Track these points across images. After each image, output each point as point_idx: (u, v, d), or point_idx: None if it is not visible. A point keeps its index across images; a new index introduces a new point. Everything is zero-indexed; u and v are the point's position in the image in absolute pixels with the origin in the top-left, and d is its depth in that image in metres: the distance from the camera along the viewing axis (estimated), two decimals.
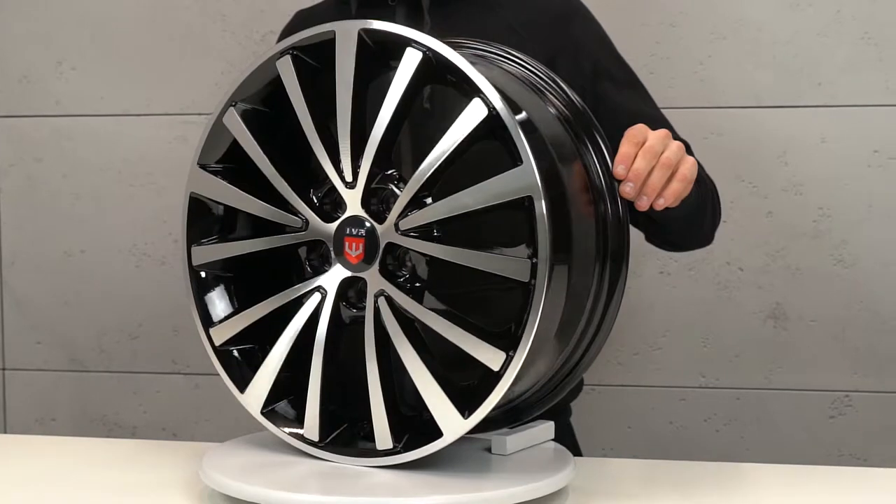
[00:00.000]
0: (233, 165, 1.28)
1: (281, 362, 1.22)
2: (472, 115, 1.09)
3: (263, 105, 1.26)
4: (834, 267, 2.07)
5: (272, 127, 1.26)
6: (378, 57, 1.18)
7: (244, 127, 1.23)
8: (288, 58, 1.20)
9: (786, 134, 2.07)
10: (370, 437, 1.17)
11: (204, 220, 1.29)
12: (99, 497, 1.23)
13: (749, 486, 1.28)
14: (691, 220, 1.44)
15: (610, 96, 1.49)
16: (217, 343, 1.27)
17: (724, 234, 1.95)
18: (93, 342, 2.32)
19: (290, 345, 1.21)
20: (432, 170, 1.11)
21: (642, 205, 1.22)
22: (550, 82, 1.29)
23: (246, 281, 1.30)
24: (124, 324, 2.30)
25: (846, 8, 2.03)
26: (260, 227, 1.24)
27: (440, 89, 1.19)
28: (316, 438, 1.20)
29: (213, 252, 1.27)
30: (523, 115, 1.14)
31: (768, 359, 2.11)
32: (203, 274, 1.28)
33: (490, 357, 1.09)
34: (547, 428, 1.31)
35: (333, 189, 1.19)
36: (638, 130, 1.23)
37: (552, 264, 1.07)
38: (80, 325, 2.32)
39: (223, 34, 2.24)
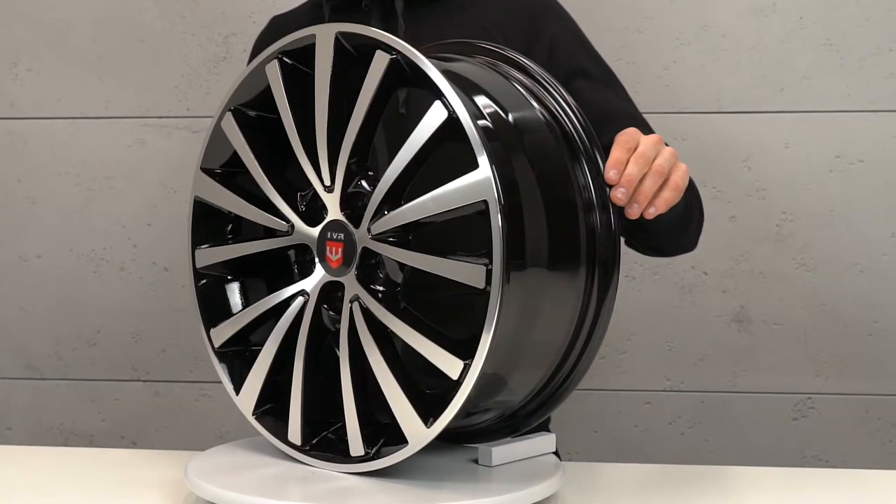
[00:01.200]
0: (238, 169, 1.27)
1: (268, 365, 1.21)
2: (432, 118, 1.08)
3: (264, 110, 1.25)
4: (796, 271, 2.09)
5: (274, 131, 1.25)
6: (358, 61, 1.17)
7: (239, 132, 1.23)
8: (275, 62, 1.18)
9: (749, 139, 2.09)
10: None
11: (208, 224, 1.29)
12: None
13: (739, 490, 1.28)
14: (679, 227, 1.44)
15: (583, 93, 1.47)
16: (216, 345, 1.27)
17: None
18: (49, 349, 2.28)
19: (276, 348, 1.19)
20: (398, 173, 1.09)
21: (633, 213, 1.19)
22: (555, 91, 1.28)
23: (253, 284, 1.31)
24: (82, 330, 2.26)
25: (808, 15, 2.06)
26: (266, 230, 1.24)
27: (417, 93, 1.17)
28: (298, 442, 1.18)
29: (212, 255, 1.28)
30: (489, 118, 1.13)
31: (732, 362, 2.13)
32: (207, 276, 1.29)
33: (448, 365, 1.07)
34: (548, 440, 1.28)
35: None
36: (630, 136, 1.20)
37: (508, 270, 1.04)
38: (37, 332, 2.27)
39: (183, 36, 2.21)
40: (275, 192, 1.20)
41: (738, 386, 2.13)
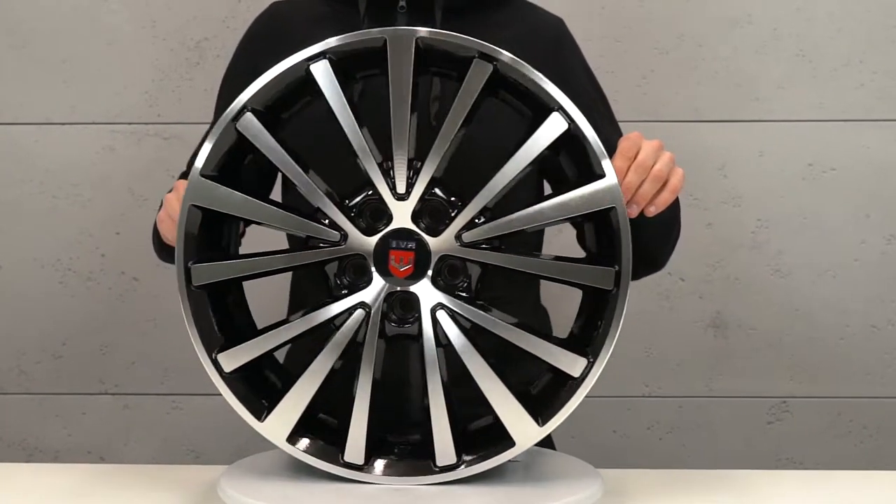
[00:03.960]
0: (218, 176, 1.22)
1: (317, 386, 1.15)
2: (550, 130, 1.11)
3: (279, 111, 1.22)
4: (771, 277, 2.14)
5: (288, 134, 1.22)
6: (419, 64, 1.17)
7: (267, 133, 1.17)
8: (325, 62, 1.15)
9: (725, 148, 2.13)
10: (414, 454, 1.15)
11: (201, 235, 1.20)
12: None
13: (758, 492, 1.31)
14: (664, 232, 1.46)
15: (600, 131, 1.50)
16: (227, 369, 1.18)
17: None
18: (11, 363, 2.19)
19: (331, 367, 1.15)
20: (506, 182, 1.11)
21: (632, 212, 1.23)
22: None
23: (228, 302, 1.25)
24: (47, 343, 2.18)
25: (782, 26, 2.11)
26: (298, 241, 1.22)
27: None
28: (361, 461, 1.16)
29: (217, 271, 1.19)
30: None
31: (709, 367, 2.16)
32: (203, 295, 1.19)
33: (570, 363, 1.12)
34: None
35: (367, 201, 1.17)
36: (632, 142, 1.24)
37: (630, 273, 1.12)
38: None
39: (154, 40, 2.15)
40: (327, 201, 1.16)
41: (714, 391, 2.17)
